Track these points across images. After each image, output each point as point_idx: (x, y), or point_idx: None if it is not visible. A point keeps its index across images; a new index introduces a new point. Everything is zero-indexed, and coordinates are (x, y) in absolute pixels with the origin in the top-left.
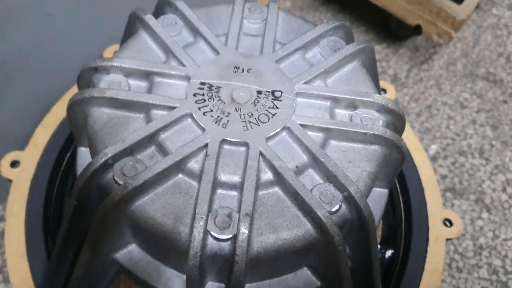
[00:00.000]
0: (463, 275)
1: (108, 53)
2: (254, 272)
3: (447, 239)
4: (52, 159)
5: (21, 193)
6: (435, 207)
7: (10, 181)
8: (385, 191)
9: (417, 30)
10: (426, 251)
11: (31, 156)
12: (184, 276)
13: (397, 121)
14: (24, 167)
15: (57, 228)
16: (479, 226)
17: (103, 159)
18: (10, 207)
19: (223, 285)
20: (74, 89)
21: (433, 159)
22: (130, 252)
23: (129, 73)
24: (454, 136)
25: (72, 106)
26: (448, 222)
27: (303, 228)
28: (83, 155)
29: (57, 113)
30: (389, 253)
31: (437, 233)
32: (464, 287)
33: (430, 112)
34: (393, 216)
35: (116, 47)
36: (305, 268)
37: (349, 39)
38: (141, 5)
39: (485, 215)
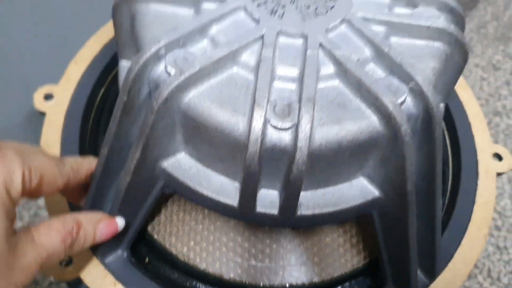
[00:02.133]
0: (502, 233)
1: None
2: (311, 172)
3: (498, 173)
4: (86, 93)
5: (55, 125)
6: (484, 142)
7: (43, 114)
8: (442, 105)
9: None
10: (476, 185)
11: (64, 90)
12: (237, 184)
13: (457, 20)
14: (57, 100)
15: None
16: None
17: (156, 47)
18: (45, 138)
19: (276, 192)
20: (106, 28)
21: None
22: (179, 161)
23: None
24: (488, 97)
25: (119, 5)
26: (497, 157)
27: (367, 120)
28: (126, 69)
29: (90, 48)
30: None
31: (487, 167)
32: (503, 245)
33: (462, 74)
34: None
35: None
36: (362, 177)
37: None
38: None
39: None
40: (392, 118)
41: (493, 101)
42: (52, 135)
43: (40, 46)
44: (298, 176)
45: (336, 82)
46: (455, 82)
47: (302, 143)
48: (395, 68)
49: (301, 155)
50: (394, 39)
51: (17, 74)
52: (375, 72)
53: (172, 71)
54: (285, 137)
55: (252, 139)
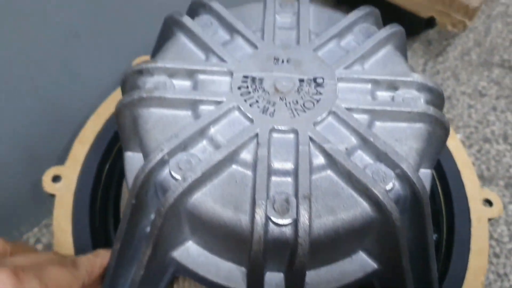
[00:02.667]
0: (501, 261)
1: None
2: (313, 257)
3: (489, 219)
4: (93, 172)
5: (65, 208)
6: (474, 189)
7: (53, 196)
8: (428, 171)
9: (429, 24)
10: (470, 233)
11: (71, 170)
12: (243, 269)
13: (436, 99)
14: (65, 181)
15: (104, 239)
16: (511, 211)
17: (160, 155)
18: (57, 222)
19: (281, 274)
20: (105, 105)
21: None
22: (187, 249)
23: (173, 73)
24: (477, 124)
25: (121, 109)
26: (488, 202)
27: (359, 208)
28: (131, 160)
29: (92, 127)
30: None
31: (478, 214)
32: (503, 272)
33: (450, 102)
34: (433, 201)
35: (144, 57)
36: (361, 252)
37: (379, 24)
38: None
39: None
40: (383, 206)
41: (482, 128)
42: (63, 218)
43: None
44: (301, 266)
45: (328, 172)
46: (440, 151)
47: (302, 238)
48: (381, 156)
49: (302, 250)
50: (378, 123)
51: (24, 147)
52: (363, 158)
53: (176, 175)
54: (286, 232)
55: (256, 238)
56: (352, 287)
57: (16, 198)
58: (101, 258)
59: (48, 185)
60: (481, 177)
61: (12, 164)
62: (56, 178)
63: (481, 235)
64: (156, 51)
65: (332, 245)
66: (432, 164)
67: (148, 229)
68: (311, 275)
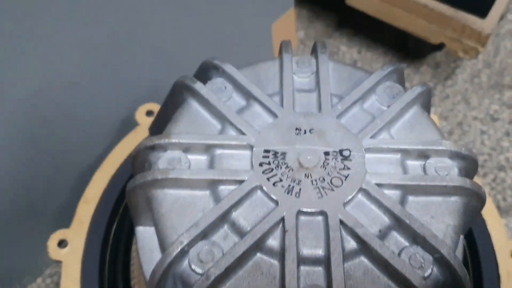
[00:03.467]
0: None
1: (140, 114)
2: None
3: None
4: (100, 235)
5: (73, 276)
6: (501, 239)
7: (59, 262)
8: (461, 237)
9: (436, 46)
10: None
11: (77, 234)
12: None
13: (470, 166)
14: (72, 246)
15: None
16: None
17: (179, 248)
18: None
19: None
20: (110, 159)
21: None
22: None
23: (188, 148)
24: (491, 151)
25: (134, 190)
26: None
27: None
28: (143, 236)
29: (97, 185)
30: None
31: (507, 268)
32: None
33: (461, 129)
34: None
35: (147, 106)
36: None
37: (401, 81)
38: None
39: None
40: None
41: (496, 155)
42: (70, 286)
43: (41, 175)
44: None
45: (361, 259)
46: (475, 218)
47: None
48: (418, 238)
49: None
50: (411, 198)
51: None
52: (397, 241)
53: (197, 269)
54: None
55: None
56: None
57: (16, 250)
58: None
59: (54, 252)
60: (497, 208)
61: (10, 215)
62: (62, 243)
63: None
64: (164, 114)
65: None
66: (465, 230)
67: None
68: None
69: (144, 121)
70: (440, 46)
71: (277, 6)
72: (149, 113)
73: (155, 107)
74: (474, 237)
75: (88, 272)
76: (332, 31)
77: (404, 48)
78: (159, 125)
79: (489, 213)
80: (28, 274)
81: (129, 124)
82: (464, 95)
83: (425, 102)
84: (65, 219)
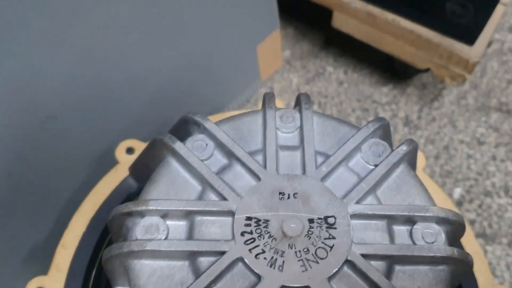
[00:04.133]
0: None
1: (120, 152)
2: None
3: None
4: (79, 282)
5: None
6: (487, 283)
7: None
8: None
9: (423, 72)
10: None
11: (55, 281)
12: None
13: (457, 229)
14: None
15: None
16: None
17: None
18: None
19: None
20: (88, 201)
21: (459, 203)
22: None
23: (166, 214)
24: (477, 176)
25: (109, 260)
26: None
27: None
28: None
29: (76, 228)
30: None
31: None
32: None
33: (448, 153)
34: None
35: (127, 143)
36: None
37: (387, 135)
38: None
39: None
40: None
41: (482, 180)
42: None
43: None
44: None
45: None
46: (460, 281)
47: None
48: None
49: None
50: (397, 267)
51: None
52: None
53: None
54: None
55: None
56: None
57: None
58: None
59: None
60: (483, 235)
61: None
62: None
63: None
64: (144, 162)
65: None
66: None
67: None
68: None
69: (124, 159)
70: (427, 69)
71: (263, 28)
72: (129, 150)
73: (136, 144)
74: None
75: None
76: (318, 50)
77: (391, 69)
78: (140, 169)
79: (476, 256)
80: None
81: (108, 157)
82: (450, 117)
83: (411, 159)
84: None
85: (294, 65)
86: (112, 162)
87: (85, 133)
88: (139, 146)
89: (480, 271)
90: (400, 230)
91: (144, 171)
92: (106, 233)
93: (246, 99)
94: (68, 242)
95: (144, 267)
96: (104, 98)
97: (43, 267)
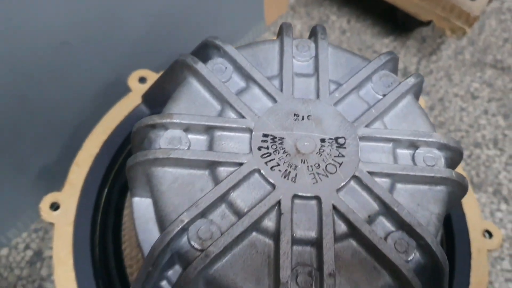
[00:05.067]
0: None
1: (132, 80)
2: None
3: (489, 250)
4: (92, 198)
5: (65, 238)
6: (475, 219)
7: (52, 224)
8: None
9: (424, 25)
10: (470, 265)
11: (69, 196)
12: None
13: (456, 156)
14: (64, 209)
15: (105, 272)
16: (498, 218)
17: (180, 226)
18: (57, 254)
19: None
20: (102, 125)
21: None
22: None
23: (188, 128)
24: (468, 128)
25: (134, 167)
26: (488, 233)
27: (382, 280)
28: (139, 206)
29: (89, 149)
30: None
31: (479, 246)
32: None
33: (442, 104)
34: None
35: (140, 72)
36: None
37: (395, 69)
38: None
39: (503, 206)
40: (406, 282)
41: (473, 132)
42: (63, 248)
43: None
44: None
45: (350, 241)
46: (454, 206)
47: None
48: (404, 226)
49: None
50: (399, 186)
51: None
52: (385, 226)
53: (195, 245)
54: None
55: None
56: None
57: (1, 203)
58: None
59: (46, 214)
60: (470, 183)
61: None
62: (54, 205)
63: (481, 267)
64: (161, 87)
65: None
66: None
67: (161, 283)
68: None
69: (136, 88)
70: (427, 22)
71: None
72: (142, 79)
73: (148, 74)
74: (450, 216)
75: (80, 234)
76: None
77: (393, 21)
78: (155, 96)
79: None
80: (14, 227)
81: (119, 88)
82: (447, 71)
83: (417, 92)
84: (53, 177)
85: (299, 12)
86: (122, 93)
87: (97, 61)
88: (152, 76)
89: (469, 206)
90: (404, 153)
91: (159, 97)
92: (118, 155)
93: (249, 42)
94: (82, 161)
95: (167, 174)
96: (116, 28)
97: (50, 189)
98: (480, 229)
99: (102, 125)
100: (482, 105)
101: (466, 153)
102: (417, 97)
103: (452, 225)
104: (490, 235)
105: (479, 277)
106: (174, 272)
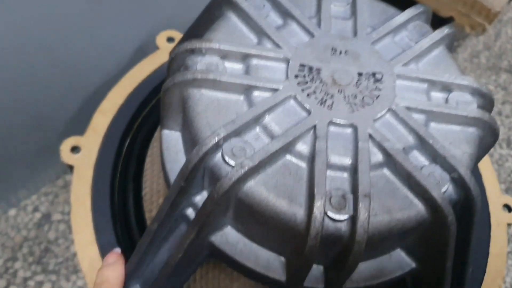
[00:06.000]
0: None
1: (161, 39)
2: None
3: (508, 224)
4: (114, 146)
5: (85, 180)
6: (494, 193)
7: (71, 167)
8: None
9: (444, 22)
10: (489, 236)
11: (91, 142)
12: (283, 258)
13: (488, 104)
14: (85, 152)
15: (123, 215)
16: None
17: (216, 139)
18: (75, 193)
19: (320, 267)
20: (127, 77)
21: None
22: (226, 235)
23: (225, 55)
24: None
25: (171, 88)
26: (507, 208)
27: (414, 208)
28: (169, 138)
29: (114, 98)
30: None
31: (498, 219)
32: None
33: None
34: None
35: (168, 33)
36: (399, 250)
37: (428, 21)
38: None
39: None
40: (439, 210)
41: None
42: (81, 189)
43: (52, 89)
44: (354, 264)
45: (384, 171)
46: (483, 156)
47: (361, 237)
48: (438, 158)
49: (359, 248)
50: (433, 124)
51: (32, 112)
52: (418, 159)
53: (230, 161)
54: (341, 227)
55: (313, 233)
56: (386, 284)
57: (16, 161)
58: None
59: (66, 156)
60: None
61: (16, 126)
62: (75, 149)
63: (500, 239)
64: (196, 29)
65: (381, 244)
66: (476, 164)
67: (187, 211)
68: None
69: (164, 46)
70: (447, 19)
71: None
72: (170, 39)
73: (176, 34)
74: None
75: (100, 178)
76: None
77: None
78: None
79: (486, 168)
80: (25, 188)
81: (146, 49)
82: (462, 73)
83: (450, 44)
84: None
85: None
86: (149, 53)
87: (126, 21)
88: (179, 36)
89: (489, 181)
90: (438, 96)
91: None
92: (143, 108)
93: None
94: (106, 109)
95: (203, 96)
96: None
97: None
98: (499, 203)
99: (128, 77)
100: (496, 107)
101: (494, 171)
102: (450, 49)
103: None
104: (510, 209)
105: (498, 248)
106: (201, 198)
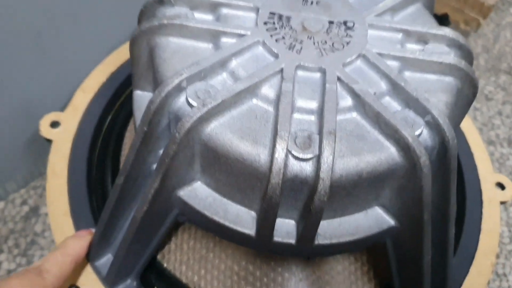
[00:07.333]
0: (500, 261)
1: None
2: (329, 203)
3: (501, 202)
4: (93, 122)
5: (62, 153)
6: (486, 171)
7: (49, 141)
8: None
9: (442, 22)
10: (481, 213)
11: (71, 117)
12: (253, 213)
13: (466, 57)
14: (64, 128)
15: (101, 190)
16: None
17: (178, 80)
18: (52, 167)
19: (292, 221)
20: (111, 57)
21: None
22: (195, 190)
23: (195, 6)
24: (482, 127)
25: (138, 38)
26: (500, 186)
27: (385, 151)
28: (140, 98)
29: (97, 77)
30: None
31: (490, 196)
32: (502, 272)
33: None
34: None
35: None
36: (377, 207)
37: None
38: None
39: None
40: (412, 150)
41: (487, 131)
42: (59, 163)
43: (44, 73)
44: (319, 207)
45: (354, 115)
46: (464, 114)
47: (325, 174)
48: (411, 102)
49: (323, 186)
50: (407, 74)
51: (21, 100)
52: (390, 105)
53: (194, 103)
54: (306, 168)
55: (275, 170)
56: (364, 243)
57: (4, 153)
58: (70, 252)
59: (45, 130)
60: None
61: (4, 116)
62: (54, 124)
63: (492, 216)
64: None
65: (352, 190)
66: (454, 128)
67: (154, 166)
68: (323, 226)
69: None
70: (445, 23)
71: None
72: None
73: None
74: (461, 167)
75: (78, 152)
76: None
77: None
78: None
79: (477, 147)
80: (13, 181)
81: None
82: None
83: (429, 5)
84: None
85: None
86: None
87: (117, 4)
88: None
89: (481, 159)
90: (413, 47)
91: None
92: (126, 86)
93: None
94: (87, 87)
95: (170, 44)
96: None
97: None
98: (492, 180)
99: (112, 57)
100: (496, 107)
101: (486, 150)
102: (429, 10)
103: (463, 174)
104: (503, 187)
105: (490, 225)
106: None
